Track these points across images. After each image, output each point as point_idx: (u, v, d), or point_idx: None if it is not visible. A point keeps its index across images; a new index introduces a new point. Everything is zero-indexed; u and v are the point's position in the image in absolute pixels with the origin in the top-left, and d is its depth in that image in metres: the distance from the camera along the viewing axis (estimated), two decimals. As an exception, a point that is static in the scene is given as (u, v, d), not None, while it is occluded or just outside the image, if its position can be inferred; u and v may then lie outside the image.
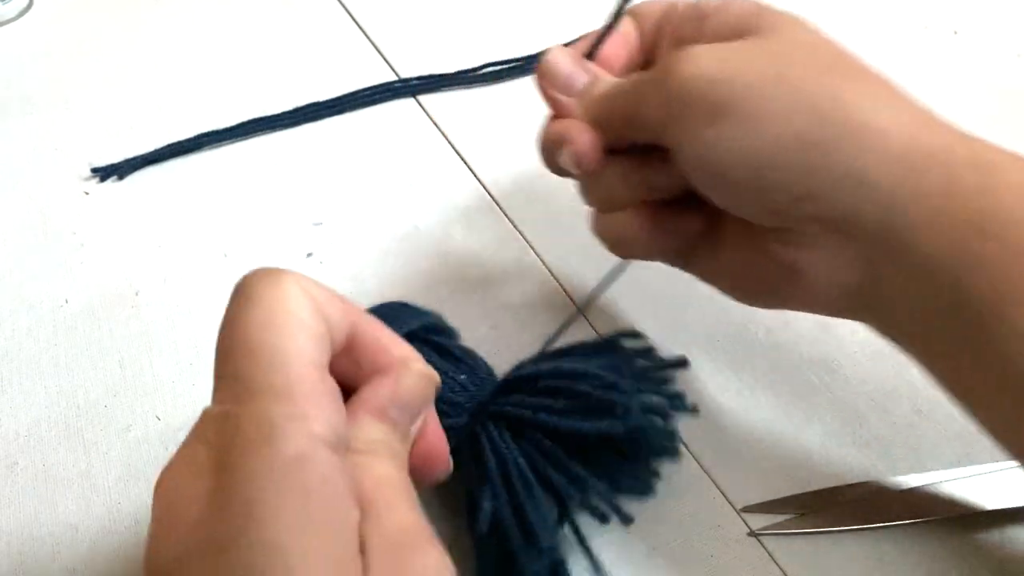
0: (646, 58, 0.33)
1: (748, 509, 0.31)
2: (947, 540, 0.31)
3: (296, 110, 0.47)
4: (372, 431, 0.23)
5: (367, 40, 0.53)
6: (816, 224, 0.26)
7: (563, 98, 0.32)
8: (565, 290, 0.39)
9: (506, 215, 0.42)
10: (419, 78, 0.49)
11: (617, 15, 0.32)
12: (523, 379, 0.31)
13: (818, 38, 0.28)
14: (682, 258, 0.32)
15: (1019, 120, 0.47)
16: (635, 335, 0.35)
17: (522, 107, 0.48)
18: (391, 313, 0.31)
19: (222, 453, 0.21)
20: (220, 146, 0.46)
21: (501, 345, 0.36)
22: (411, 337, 0.30)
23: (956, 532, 0.31)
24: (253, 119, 0.47)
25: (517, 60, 0.50)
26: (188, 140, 0.46)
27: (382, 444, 0.23)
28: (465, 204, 0.43)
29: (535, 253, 0.41)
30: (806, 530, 0.31)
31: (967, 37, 0.53)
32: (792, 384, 0.35)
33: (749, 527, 0.31)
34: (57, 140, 0.47)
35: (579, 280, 0.39)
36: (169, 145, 0.45)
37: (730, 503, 0.32)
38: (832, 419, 0.34)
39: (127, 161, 0.45)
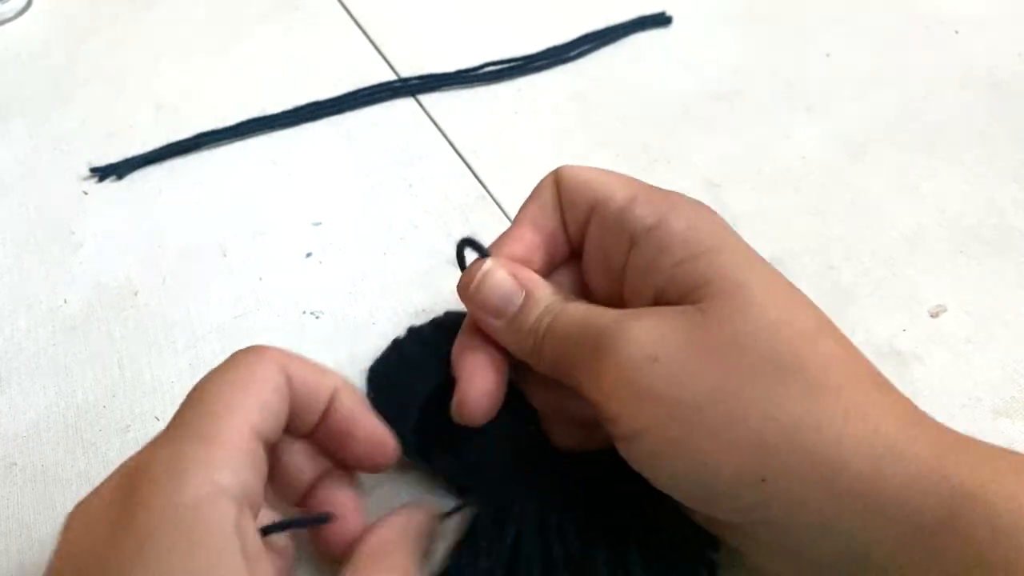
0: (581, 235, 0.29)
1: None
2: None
3: (296, 110, 0.47)
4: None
5: (367, 40, 0.53)
6: (765, 550, 0.24)
7: (494, 322, 0.27)
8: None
9: (506, 215, 0.42)
10: (419, 78, 0.49)
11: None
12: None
13: (779, 306, 0.23)
14: None
15: (1019, 120, 0.47)
16: None
17: (522, 107, 0.48)
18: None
19: (131, 486, 0.22)
20: (219, 146, 0.46)
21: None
22: None
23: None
24: (252, 119, 0.47)
25: (517, 60, 0.50)
26: (187, 140, 0.46)
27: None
28: (465, 204, 0.43)
29: (535, 253, 0.40)
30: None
31: (967, 37, 0.53)
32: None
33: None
34: (56, 140, 0.46)
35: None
36: (168, 145, 0.45)
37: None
38: (833, 419, 0.34)
39: (126, 161, 0.45)
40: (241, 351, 0.25)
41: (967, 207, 0.42)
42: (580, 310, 0.26)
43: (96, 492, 0.23)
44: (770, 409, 0.22)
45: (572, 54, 0.51)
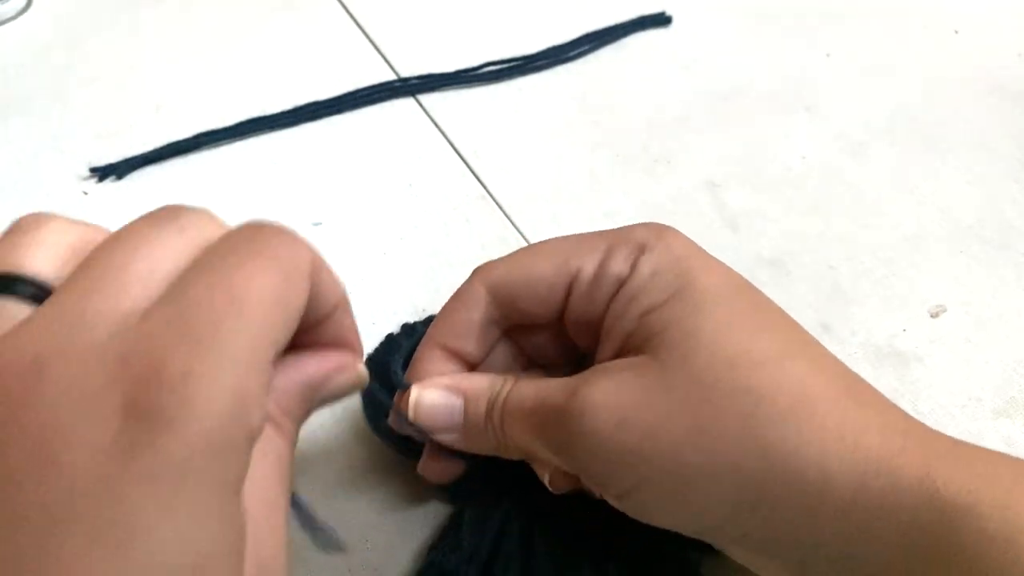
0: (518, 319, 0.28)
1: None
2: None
3: (296, 110, 0.47)
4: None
5: (367, 40, 0.53)
6: (767, 559, 0.24)
7: (449, 438, 0.27)
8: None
9: (506, 215, 0.42)
10: (419, 78, 0.49)
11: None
12: None
13: (735, 340, 0.23)
14: None
15: (1019, 120, 0.47)
16: None
17: (522, 107, 0.48)
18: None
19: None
20: (219, 146, 0.46)
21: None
22: None
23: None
24: (252, 119, 0.47)
25: (517, 60, 0.50)
26: (187, 140, 0.46)
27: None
28: (465, 204, 0.43)
29: (535, 253, 0.40)
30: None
31: (967, 37, 0.53)
32: (793, 384, 0.35)
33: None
34: (56, 140, 0.46)
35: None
36: (168, 145, 0.45)
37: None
38: (833, 419, 0.34)
39: (126, 161, 0.45)
40: (274, 233, 0.19)
41: (967, 207, 0.42)
42: (529, 392, 0.25)
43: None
44: (744, 439, 0.22)
45: (572, 54, 0.51)
